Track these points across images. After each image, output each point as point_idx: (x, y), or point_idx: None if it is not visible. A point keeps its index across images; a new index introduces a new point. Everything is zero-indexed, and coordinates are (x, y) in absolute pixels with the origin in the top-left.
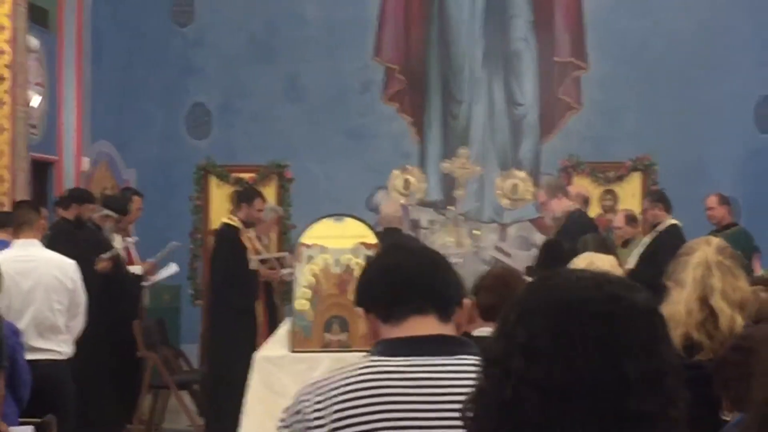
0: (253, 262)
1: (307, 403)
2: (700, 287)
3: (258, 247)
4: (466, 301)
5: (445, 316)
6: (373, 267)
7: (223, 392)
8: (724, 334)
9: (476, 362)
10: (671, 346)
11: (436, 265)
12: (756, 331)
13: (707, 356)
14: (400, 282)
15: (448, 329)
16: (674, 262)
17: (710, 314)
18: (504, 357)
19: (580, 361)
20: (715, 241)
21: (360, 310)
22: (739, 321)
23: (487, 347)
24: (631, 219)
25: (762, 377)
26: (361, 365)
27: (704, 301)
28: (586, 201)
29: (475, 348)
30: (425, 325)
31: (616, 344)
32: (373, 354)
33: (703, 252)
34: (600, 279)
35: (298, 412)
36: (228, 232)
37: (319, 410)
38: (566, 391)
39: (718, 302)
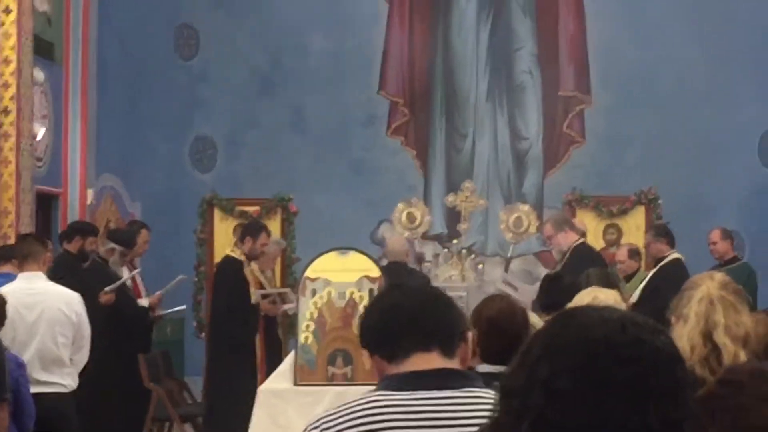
0: (255, 296)
1: None
2: (703, 322)
3: (262, 281)
4: (469, 335)
5: (448, 351)
6: (372, 309)
7: (223, 425)
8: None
9: (482, 395)
10: (692, 390)
11: (435, 301)
12: (744, 365)
13: None
14: (401, 321)
15: (452, 364)
16: (677, 296)
17: (713, 349)
18: (524, 391)
19: (602, 403)
20: (718, 276)
21: (365, 352)
22: (743, 356)
23: (505, 379)
24: (634, 253)
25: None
26: (367, 399)
27: (707, 337)
28: (583, 235)
29: (479, 381)
30: (429, 361)
31: (640, 389)
32: (378, 389)
33: (707, 287)
34: (625, 320)
35: None
36: (231, 265)
37: None
38: None
39: (721, 337)
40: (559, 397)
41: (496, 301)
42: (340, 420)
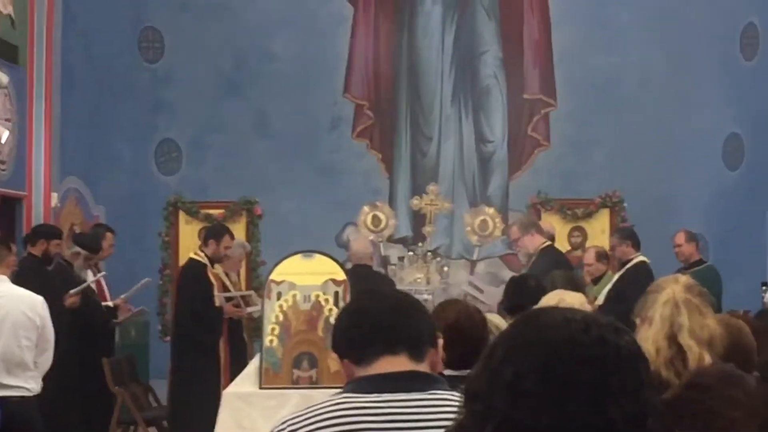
0: (218, 299)
1: None
2: (667, 325)
3: (227, 283)
4: (440, 341)
5: (417, 355)
6: (343, 313)
7: (188, 428)
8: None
9: (448, 398)
10: (654, 389)
11: (405, 306)
12: (711, 369)
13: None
14: (370, 325)
15: (421, 368)
16: (642, 299)
17: (678, 351)
18: (488, 394)
19: (567, 403)
20: (683, 278)
21: (335, 357)
22: (708, 358)
23: (469, 382)
24: (601, 256)
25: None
26: (333, 402)
27: (672, 339)
28: (551, 238)
29: (446, 384)
30: (397, 364)
31: (604, 388)
32: (345, 391)
33: (671, 290)
34: (589, 320)
35: None
36: (194, 268)
37: None
38: None
39: (686, 340)
40: (523, 398)
41: (453, 306)
42: (306, 422)
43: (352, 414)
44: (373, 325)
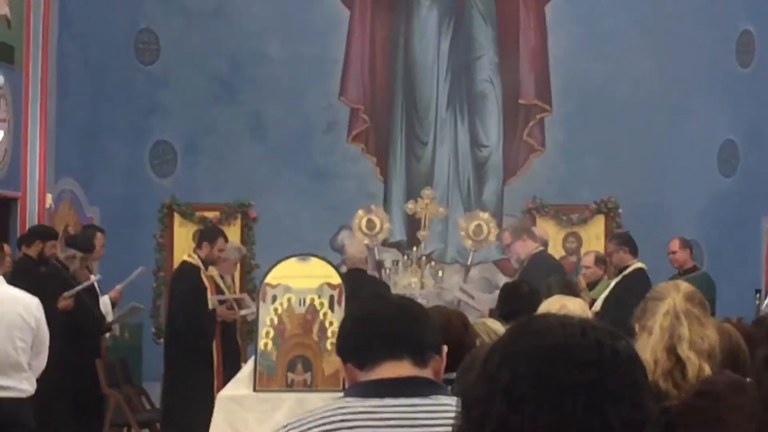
0: (211, 302)
1: None
2: (667, 336)
3: (222, 286)
4: (445, 348)
5: (420, 361)
6: (348, 318)
7: (180, 431)
8: (692, 383)
9: (450, 403)
10: (651, 393)
11: (409, 312)
12: (720, 377)
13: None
14: (373, 329)
15: (423, 373)
16: (641, 305)
17: (677, 363)
18: (485, 399)
19: (564, 407)
20: (684, 286)
21: (332, 360)
22: (707, 370)
23: (466, 388)
24: (600, 260)
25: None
26: (334, 406)
27: (671, 350)
28: (545, 244)
29: (447, 390)
30: (399, 370)
31: (600, 392)
32: (346, 396)
33: (672, 299)
34: (585, 325)
35: None
36: (187, 271)
37: None
38: None
39: (685, 352)
40: (521, 403)
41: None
42: (307, 427)
43: (353, 418)
44: (377, 331)
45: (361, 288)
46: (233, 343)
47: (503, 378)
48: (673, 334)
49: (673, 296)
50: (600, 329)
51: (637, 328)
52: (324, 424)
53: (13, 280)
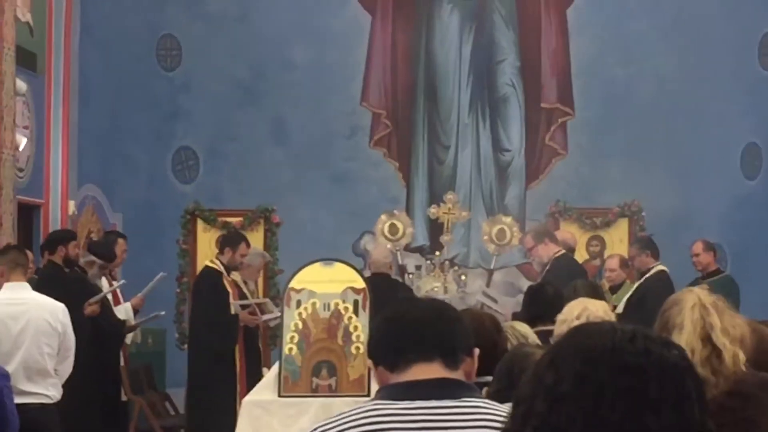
0: (234, 307)
1: None
2: (699, 327)
3: (245, 291)
4: (476, 351)
5: (451, 363)
6: (379, 320)
7: None
8: (729, 369)
9: (481, 405)
10: (703, 406)
11: (441, 314)
12: (750, 377)
13: (711, 393)
14: (404, 332)
15: (454, 375)
16: (659, 318)
17: (713, 350)
18: (529, 398)
19: (602, 409)
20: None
21: (370, 363)
22: (741, 356)
23: (517, 388)
24: (624, 263)
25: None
26: (365, 408)
27: (706, 340)
28: (572, 249)
29: (478, 392)
30: (430, 372)
31: (642, 397)
32: (376, 398)
33: (695, 295)
34: (637, 332)
35: None
36: (209, 276)
37: None
38: None
39: (719, 338)
40: (561, 402)
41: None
42: (337, 428)
43: (383, 420)
44: (408, 333)
45: (386, 292)
46: (254, 348)
47: (549, 377)
48: (704, 323)
49: (695, 292)
50: (652, 338)
51: (663, 333)
52: (354, 427)
53: (38, 287)
